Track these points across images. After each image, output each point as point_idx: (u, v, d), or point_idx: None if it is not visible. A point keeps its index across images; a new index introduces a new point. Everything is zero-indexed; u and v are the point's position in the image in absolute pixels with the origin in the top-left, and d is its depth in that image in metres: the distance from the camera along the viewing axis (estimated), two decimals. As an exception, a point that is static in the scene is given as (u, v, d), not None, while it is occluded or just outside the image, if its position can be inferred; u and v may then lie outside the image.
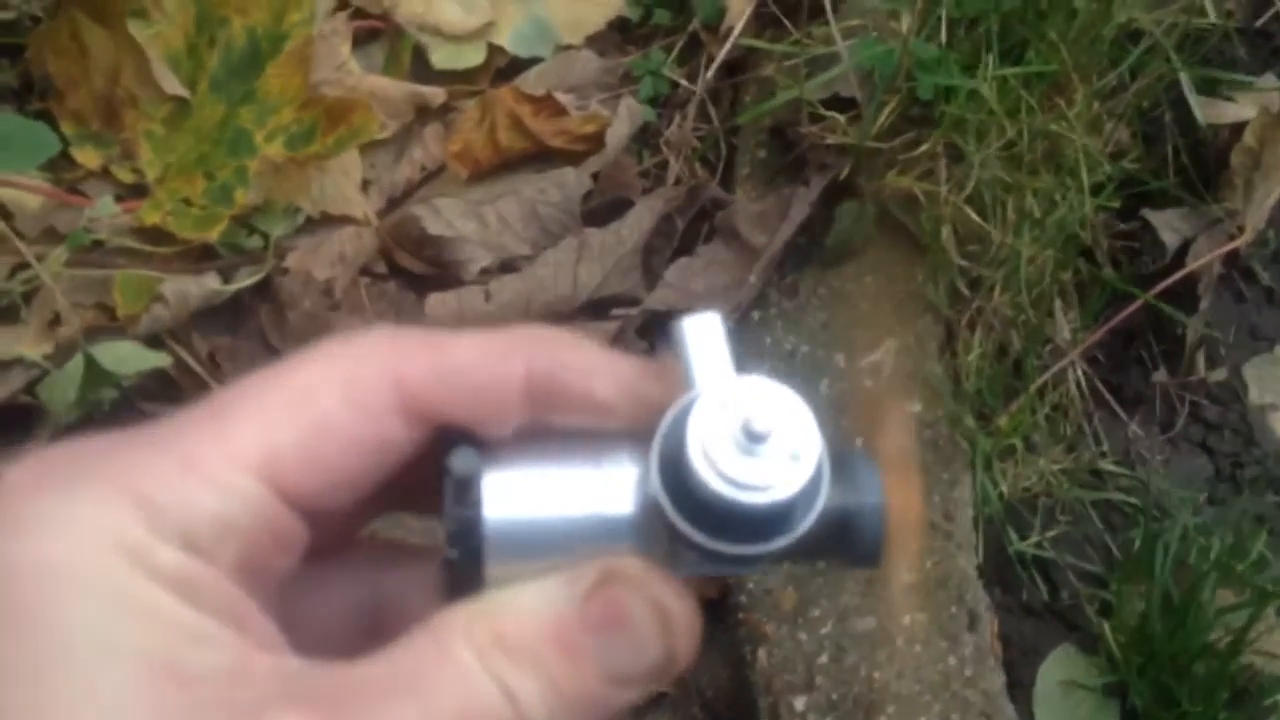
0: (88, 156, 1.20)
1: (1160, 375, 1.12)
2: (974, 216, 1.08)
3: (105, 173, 1.20)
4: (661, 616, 0.36)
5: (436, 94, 1.25)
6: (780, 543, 0.36)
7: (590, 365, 0.38)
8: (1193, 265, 1.07)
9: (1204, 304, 1.09)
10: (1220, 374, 1.13)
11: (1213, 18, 0.96)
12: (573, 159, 1.22)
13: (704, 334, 0.38)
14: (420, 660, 0.34)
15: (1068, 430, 1.08)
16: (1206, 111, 1.11)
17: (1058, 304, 1.09)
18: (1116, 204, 1.11)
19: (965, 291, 1.09)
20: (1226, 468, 1.11)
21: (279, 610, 0.36)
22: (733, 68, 1.27)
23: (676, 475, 0.35)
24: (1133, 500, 1.07)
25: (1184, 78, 1.10)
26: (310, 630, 0.36)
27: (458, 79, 1.27)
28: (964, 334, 1.08)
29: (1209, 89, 1.15)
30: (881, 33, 1.15)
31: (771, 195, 1.19)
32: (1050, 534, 1.06)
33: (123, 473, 0.34)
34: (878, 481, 0.37)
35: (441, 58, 1.28)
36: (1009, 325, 1.08)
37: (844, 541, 0.37)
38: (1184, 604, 0.98)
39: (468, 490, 0.36)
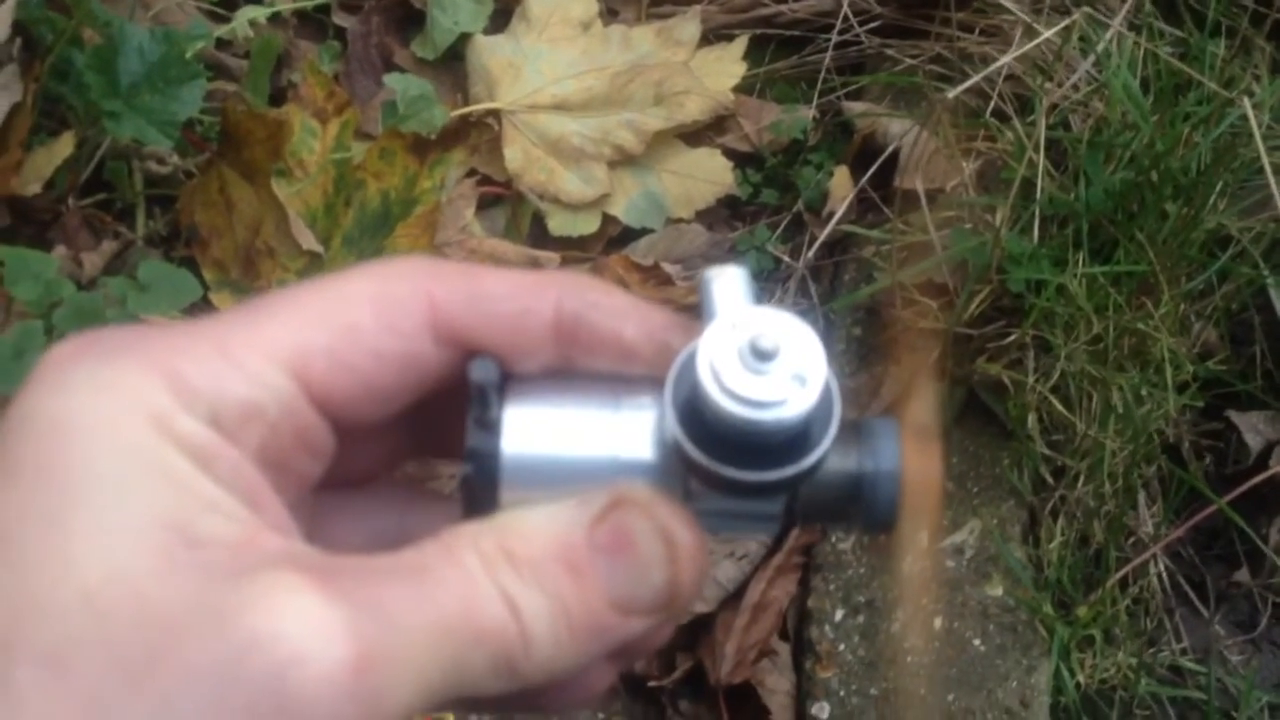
0: (224, 301, 1.29)
1: (1243, 574, 1.12)
2: (1059, 407, 1.11)
3: (240, 318, 1.29)
4: (668, 544, 0.36)
5: (551, 258, 1.32)
6: (790, 471, 0.35)
7: (619, 308, 0.38)
8: (1276, 468, 1.09)
9: (1287, 506, 1.11)
10: (1303, 575, 1.14)
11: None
12: (675, 328, 1.29)
13: (727, 282, 0.39)
14: (426, 559, 0.34)
15: (1148, 624, 1.09)
16: (1292, 318, 1.14)
17: (1141, 497, 1.11)
18: (1201, 403, 1.13)
19: (1049, 479, 1.12)
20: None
21: (303, 525, 0.36)
22: (833, 247, 1.33)
23: (688, 400, 0.36)
24: (1206, 698, 1.07)
25: (1271, 285, 1.13)
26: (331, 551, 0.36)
27: (572, 245, 1.35)
28: (1046, 521, 1.11)
29: (1297, 295, 1.17)
30: (976, 224, 1.20)
31: (864, 372, 1.24)
32: (1126, 728, 1.06)
33: (159, 351, 0.35)
34: (896, 447, 0.37)
35: (558, 224, 1.35)
36: (1091, 516, 1.10)
37: (859, 504, 0.38)
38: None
39: (486, 400, 0.37)
